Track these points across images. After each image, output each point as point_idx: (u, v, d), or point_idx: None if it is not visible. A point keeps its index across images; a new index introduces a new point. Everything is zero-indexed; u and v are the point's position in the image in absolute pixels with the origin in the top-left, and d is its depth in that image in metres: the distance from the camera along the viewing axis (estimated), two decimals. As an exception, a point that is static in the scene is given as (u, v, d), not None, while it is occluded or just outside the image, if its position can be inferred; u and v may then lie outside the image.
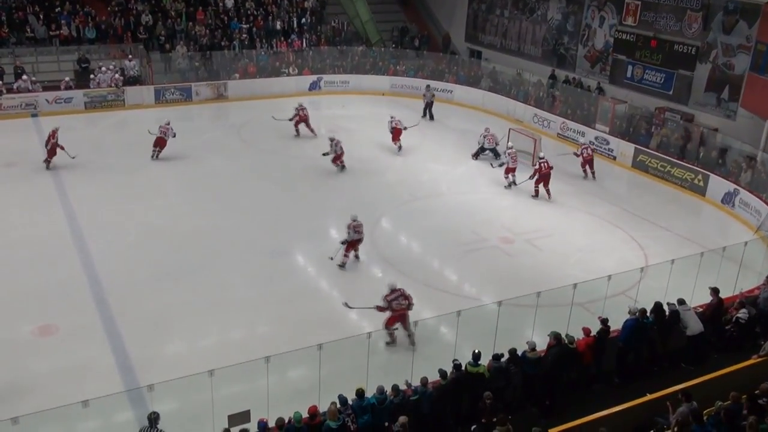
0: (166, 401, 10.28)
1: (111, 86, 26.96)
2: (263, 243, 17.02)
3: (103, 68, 27.26)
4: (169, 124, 22.07)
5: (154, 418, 9.45)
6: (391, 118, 24.39)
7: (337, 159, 21.87)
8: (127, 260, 15.87)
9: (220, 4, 32.08)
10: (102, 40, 29.10)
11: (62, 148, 20.69)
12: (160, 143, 21.97)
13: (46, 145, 20.78)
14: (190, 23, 30.69)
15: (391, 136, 24.01)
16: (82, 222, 17.62)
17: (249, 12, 32.43)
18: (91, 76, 27.08)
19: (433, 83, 30.01)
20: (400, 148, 23.97)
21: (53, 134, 20.76)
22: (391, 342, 13.01)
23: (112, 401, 10.13)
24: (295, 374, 12.00)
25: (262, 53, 30.89)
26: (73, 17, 29.00)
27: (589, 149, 22.74)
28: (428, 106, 28.07)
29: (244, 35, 31.11)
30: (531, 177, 20.83)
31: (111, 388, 10.79)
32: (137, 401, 10.59)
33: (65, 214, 18.04)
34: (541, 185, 20.63)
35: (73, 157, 20.83)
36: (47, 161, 20.82)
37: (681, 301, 12.37)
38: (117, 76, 27.34)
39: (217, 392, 9.74)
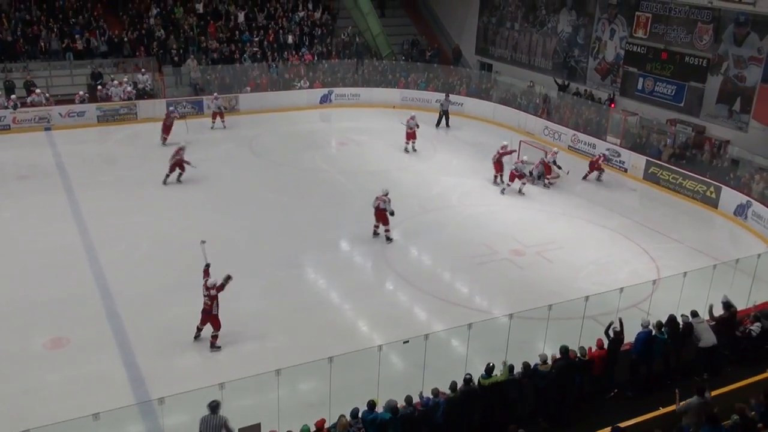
0: (177, 414, 10.28)
1: (124, 99, 27.19)
2: (274, 255, 17.04)
3: (115, 81, 27.49)
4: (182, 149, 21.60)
5: (215, 406, 9.64)
6: (413, 117, 24.95)
7: (410, 137, 23.89)
8: (139, 272, 15.93)
9: (232, 18, 32.34)
10: (115, 54, 29.37)
11: (188, 163, 21.10)
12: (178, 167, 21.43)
13: (170, 161, 21.15)
14: (202, 37, 30.94)
15: (406, 134, 24.73)
16: (94, 234, 17.71)
17: (260, 25, 32.67)
18: (99, 86, 27.27)
19: (443, 96, 30.16)
20: (407, 150, 24.66)
21: (178, 152, 21.17)
22: None
23: (123, 414, 10.14)
24: (305, 387, 11.97)
25: (274, 66, 31.07)
26: (87, 31, 29.31)
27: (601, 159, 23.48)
28: (444, 114, 28.31)
29: (255, 48, 31.30)
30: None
31: (122, 400, 10.81)
32: (148, 414, 10.59)
33: (77, 227, 18.14)
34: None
35: (195, 167, 21.21)
36: (167, 176, 21.17)
37: (694, 314, 12.29)
38: (129, 89, 27.58)
39: (227, 405, 9.72)
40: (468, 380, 10.52)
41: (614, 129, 25.56)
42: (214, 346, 13.21)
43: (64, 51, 28.46)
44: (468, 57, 35.69)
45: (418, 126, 24.88)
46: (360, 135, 27.57)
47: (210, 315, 13.14)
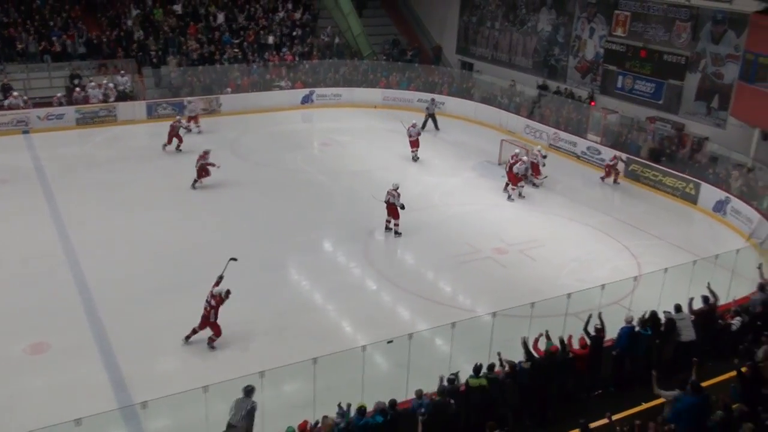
0: (160, 418, 10.23)
1: (102, 101, 26.93)
2: (257, 256, 16.95)
3: (92, 83, 27.24)
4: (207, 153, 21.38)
5: (249, 390, 9.97)
6: (413, 125, 24.68)
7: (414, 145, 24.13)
8: (120, 276, 15.79)
9: (211, 19, 32.17)
10: (93, 56, 29.10)
11: (213, 164, 20.96)
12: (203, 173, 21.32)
13: (196, 166, 21.05)
14: (182, 38, 30.76)
15: (410, 143, 24.43)
16: (74, 238, 17.54)
17: (240, 26, 32.55)
18: (77, 88, 27.01)
19: (426, 95, 30.24)
20: (414, 159, 24.35)
21: (204, 156, 21.05)
22: None
23: (105, 419, 10.05)
24: (290, 389, 11.93)
25: (255, 67, 30.97)
26: (65, 33, 29.02)
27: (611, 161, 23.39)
28: (431, 117, 28.12)
29: (236, 49, 31.17)
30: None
31: (104, 405, 10.71)
32: (130, 419, 10.52)
33: (57, 231, 17.96)
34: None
35: (218, 167, 21.05)
36: (195, 181, 21.08)
37: (678, 308, 12.39)
38: (110, 85, 27.35)
39: (211, 408, 9.68)
40: (451, 380, 10.53)
41: (595, 127, 25.74)
42: (210, 345, 13.28)
43: (42, 53, 28.14)
44: (449, 56, 35.80)
45: (419, 133, 24.62)
46: (342, 135, 27.56)
47: (209, 321, 13.17)
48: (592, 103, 27.28)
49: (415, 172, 23.57)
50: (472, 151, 26.05)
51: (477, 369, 10.68)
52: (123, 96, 27.76)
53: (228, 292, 13.22)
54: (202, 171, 21.05)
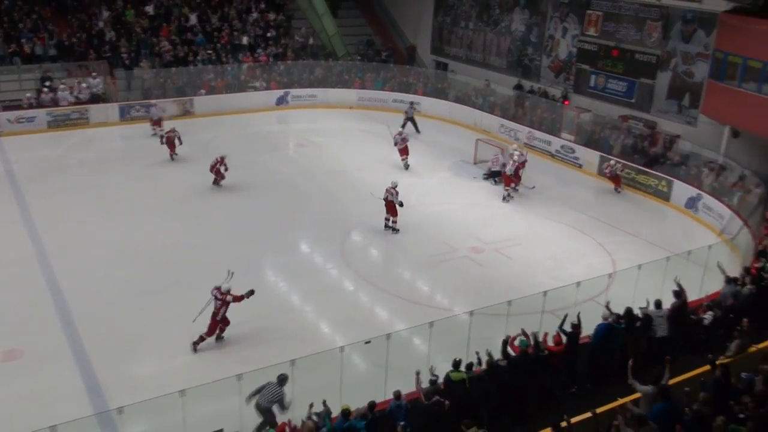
0: (136, 424, 10.14)
1: (72, 104, 26.59)
2: (233, 258, 16.82)
3: (62, 86, 26.88)
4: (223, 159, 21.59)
5: (282, 379, 10.38)
6: (399, 132, 24.38)
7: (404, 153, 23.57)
8: (94, 280, 15.62)
9: (183, 20, 31.89)
10: (65, 58, 28.73)
11: (226, 169, 21.34)
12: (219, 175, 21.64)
13: (211, 170, 21.32)
14: (154, 39, 30.49)
15: (399, 151, 23.82)
16: (47, 242, 17.33)
17: (214, 27, 32.33)
18: (45, 88, 26.61)
19: (401, 95, 30.27)
20: (406, 167, 23.74)
21: (221, 161, 21.20)
22: None
23: (81, 425, 9.90)
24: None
25: (229, 68, 30.78)
26: (35, 35, 28.61)
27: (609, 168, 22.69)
28: (410, 120, 27.68)
29: (210, 51, 30.97)
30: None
31: (79, 411, 10.57)
32: (107, 424, 10.40)
33: (29, 235, 17.72)
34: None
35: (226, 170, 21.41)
36: (216, 182, 21.44)
37: (658, 304, 12.52)
38: (83, 85, 27.04)
39: (188, 412, 9.62)
40: (433, 381, 10.56)
41: (568, 126, 25.97)
42: (195, 345, 13.16)
43: (11, 55, 27.73)
44: (423, 56, 35.89)
45: (407, 139, 24.03)
46: (317, 136, 27.51)
47: (213, 319, 13.20)
48: (566, 102, 27.52)
49: (391, 173, 23.56)
50: (447, 150, 26.14)
51: (456, 363, 10.72)
52: (95, 98, 27.44)
53: (251, 292, 13.42)
54: (218, 174, 21.32)
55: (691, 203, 21.04)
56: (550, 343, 11.66)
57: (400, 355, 12.39)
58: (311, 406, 9.97)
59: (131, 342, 13.40)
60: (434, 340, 11.92)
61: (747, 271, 14.19)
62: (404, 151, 23.78)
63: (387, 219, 18.96)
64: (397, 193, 18.67)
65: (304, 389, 10.98)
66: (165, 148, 23.54)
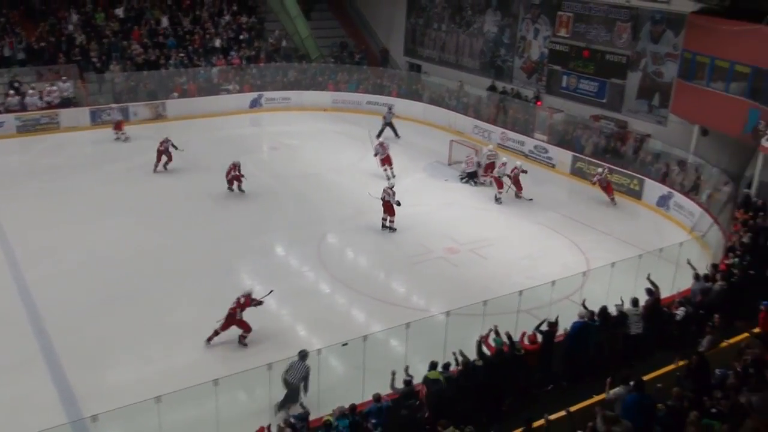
0: (111, 431, 9.99)
1: (41, 108, 26.21)
2: (207, 263, 16.78)
3: (31, 91, 26.48)
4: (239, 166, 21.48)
5: (303, 354, 11.03)
6: (381, 143, 23.53)
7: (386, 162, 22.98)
8: (66, 287, 15.41)
9: (154, 23, 31.60)
10: (34, 62, 28.31)
11: (242, 176, 21.31)
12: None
13: (227, 176, 21.32)
14: (125, 42, 30.18)
15: (380, 161, 22.95)
16: (17, 249, 17.07)
17: (186, 30, 32.09)
18: (11, 91, 26.20)
19: (375, 98, 30.34)
20: (388, 177, 22.44)
21: (234, 167, 21.25)
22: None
23: (54, 434, 9.80)
24: (245, 396, 11.84)
25: (201, 71, 30.57)
26: (3, 39, 28.16)
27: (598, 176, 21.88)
28: (389, 125, 27.25)
29: (182, 54, 30.73)
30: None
31: (53, 420, 10.38)
32: (81, 433, 10.27)
33: (-1, 242, 17.47)
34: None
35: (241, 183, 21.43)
36: (235, 188, 21.40)
37: (634, 302, 12.66)
38: (53, 88, 26.68)
39: (164, 419, 9.53)
40: (408, 382, 10.58)
41: (541, 126, 26.18)
42: (241, 342, 13.52)
43: (-22, 61, 27.32)
44: (396, 58, 35.95)
45: (387, 146, 23.34)
46: (291, 139, 27.43)
47: (234, 320, 13.39)
48: (539, 103, 27.74)
49: (365, 175, 23.58)
50: (422, 152, 26.21)
51: (433, 365, 10.76)
52: (66, 102, 27.09)
53: (268, 293, 13.94)
54: (233, 180, 21.31)
55: (663, 201, 21.31)
56: (526, 342, 11.73)
57: (378, 356, 12.40)
58: (288, 408, 9.94)
59: (104, 349, 13.24)
60: (411, 341, 11.94)
61: (716, 267, 14.43)
62: (386, 161, 23.02)
63: (384, 219, 19.08)
64: (394, 193, 18.92)
65: (281, 393, 10.95)
66: (133, 150, 23.20)
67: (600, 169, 22.11)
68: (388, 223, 19.14)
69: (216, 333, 13.33)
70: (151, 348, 13.34)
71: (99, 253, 17.01)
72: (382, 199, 18.98)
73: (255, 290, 15.41)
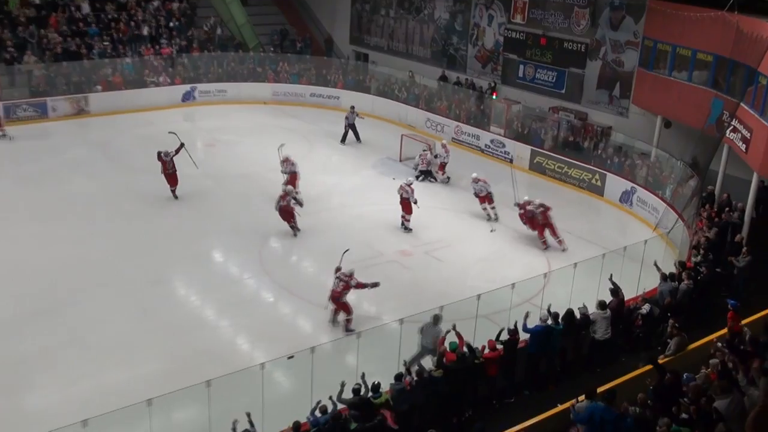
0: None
1: None
2: (138, 272, 16.42)
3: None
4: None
5: (437, 317, 12.08)
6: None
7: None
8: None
9: (73, 9, 30.86)
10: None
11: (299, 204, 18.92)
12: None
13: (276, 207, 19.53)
14: (42, 31, 29.39)
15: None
16: None
17: (110, 17, 31.43)
18: None
19: (319, 89, 30.25)
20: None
21: (285, 197, 19.33)
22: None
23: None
24: (182, 416, 11.64)
25: (128, 62, 29.99)
26: None
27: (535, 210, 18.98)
28: (351, 127, 26.75)
29: (106, 42, 30.09)
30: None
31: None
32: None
33: None
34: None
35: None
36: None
37: (602, 305, 12.85)
38: None
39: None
40: (356, 390, 10.59)
41: (497, 119, 26.44)
42: (348, 329, 14.24)
43: None
44: (342, 47, 35.92)
45: (295, 165, 21.21)
46: (228, 135, 27.12)
47: (338, 302, 14.19)
48: (494, 94, 28.03)
49: (311, 172, 23.40)
50: (371, 147, 26.22)
51: (375, 388, 10.81)
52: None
53: (376, 284, 14.50)
54: (287, 214, 18.63)
55: (626, 197, 21.76)
56: (485, 349, 11.82)
57: (327, 369, 12.34)
58: (235, 422, 9.82)
59: (26, 368, 12.88)
60: (362, 351, 11.90)
61: (683, 266, 14.79)
62: (291, 180, 20.35)
63: (403, 217, 19.32)
64: (412, 190, 19.21)
65: (223, 411, 10.77)
66: (56, 149, 22.63)
67: (532, 202, 19.11)
68: (404, 222, 19.38)
69: (348, 321, 14.39)
70: (78, 366, 12.99)
71: (15, 263, 16.50)
72: (400, 196, 19.28)
73: (190, 300, 15.23)
